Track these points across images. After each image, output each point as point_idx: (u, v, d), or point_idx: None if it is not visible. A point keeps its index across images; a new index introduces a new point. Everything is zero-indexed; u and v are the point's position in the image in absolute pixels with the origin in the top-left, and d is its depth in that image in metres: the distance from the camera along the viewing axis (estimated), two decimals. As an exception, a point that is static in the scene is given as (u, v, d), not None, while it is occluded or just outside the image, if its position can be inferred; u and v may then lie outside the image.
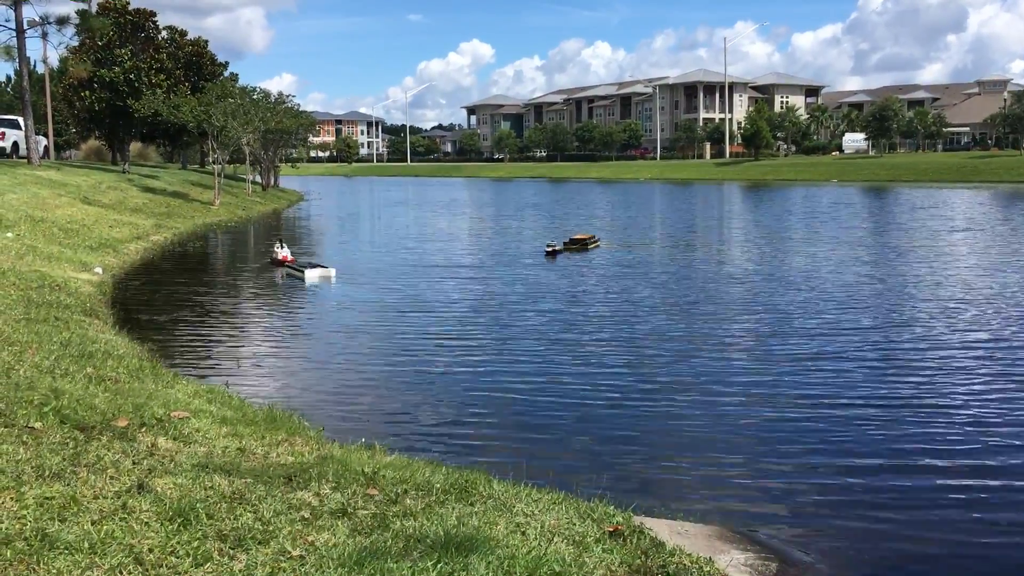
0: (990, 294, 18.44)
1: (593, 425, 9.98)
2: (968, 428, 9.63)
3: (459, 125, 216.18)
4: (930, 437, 9.34)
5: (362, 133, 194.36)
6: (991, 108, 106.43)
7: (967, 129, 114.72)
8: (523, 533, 5.05)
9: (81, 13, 38.53)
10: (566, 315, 16.88)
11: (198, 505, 4.67)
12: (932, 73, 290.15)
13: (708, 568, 5.13)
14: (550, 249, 25.09)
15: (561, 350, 13.87)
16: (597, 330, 15.41)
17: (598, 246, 27.54)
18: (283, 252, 25.02)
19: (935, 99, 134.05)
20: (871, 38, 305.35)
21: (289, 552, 4.25)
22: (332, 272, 22.69)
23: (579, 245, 26.63)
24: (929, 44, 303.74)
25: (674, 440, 9.50)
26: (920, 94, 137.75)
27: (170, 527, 4.35)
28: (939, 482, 8.11)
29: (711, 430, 9.76)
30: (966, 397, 10.82)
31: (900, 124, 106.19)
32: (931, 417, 10.02)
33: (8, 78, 74.59)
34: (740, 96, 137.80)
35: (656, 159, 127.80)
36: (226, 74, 58.95)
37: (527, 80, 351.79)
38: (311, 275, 22.12)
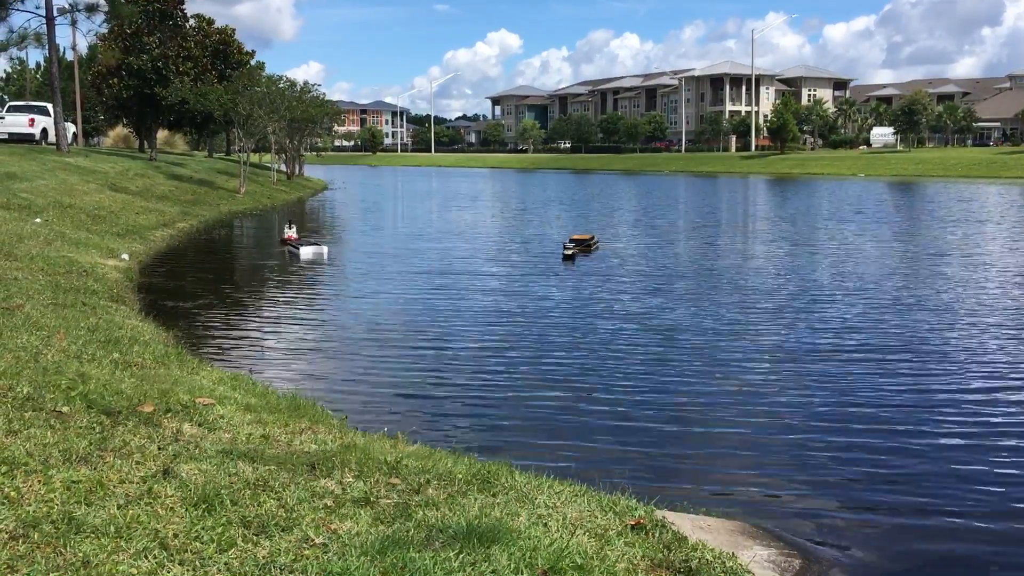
0: None
1: (615, 418, 9.95)
2: (1006, 432, 9.44)
3: (484, 116, 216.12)
4: (963, 439, 9.20)
5: (387, 123, 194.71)
6: (1023, 103, 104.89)
7: (998, 124, 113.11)
8: (545, 525, 5.03)
9: (110, 0, 38.78)
10: (589, 311, 16.84)
11: (222, 491, 4.69)
12: (965, 67, 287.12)
13: (731, 563, 5.09)
14: (568, 252, 24.42)
15: (583, 344, 13.84)
16: (620, 324, 15.36)
17: (598, 246, 26.62)
18: (290, 232, 27.33)
19: (965, 93, 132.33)
20: (904, 30, 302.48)
21: (312, 539, 4.26)
22: (325, 249, 25.14)
23: (584, 246, 25.69)
24: (963, 37, 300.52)
25: (697, 434, 9.46)
26: (950, 88, 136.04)
27: (195, 513, 4.37)
28: (971, 484, 7.97)
29: (734, 425, 9.70)
30: (1007, 402, 10.59)
31: (929, 119, 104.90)
32: (965, 420, 9.85)
33: (38, 65, 75.34)
34: (767, 89, 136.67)
35: (681, 151, 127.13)
36: (252, 63, 59.17)
37: (553, 71, 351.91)
38: (305, 251, 24.71)
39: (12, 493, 4.23)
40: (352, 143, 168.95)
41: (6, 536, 3.79)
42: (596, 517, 5.42)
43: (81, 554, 3.74)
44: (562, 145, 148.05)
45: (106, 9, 39.31)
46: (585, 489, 6.12)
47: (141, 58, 46.70)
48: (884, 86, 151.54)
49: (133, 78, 47.43)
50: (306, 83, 58.03)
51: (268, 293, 19.38)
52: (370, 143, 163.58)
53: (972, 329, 14.53)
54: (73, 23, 43.02)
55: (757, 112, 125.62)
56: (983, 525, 7.08)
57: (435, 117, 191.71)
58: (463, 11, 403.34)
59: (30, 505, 4.13)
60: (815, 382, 11.38)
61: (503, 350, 13.42)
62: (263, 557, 4.00)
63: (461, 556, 4.18)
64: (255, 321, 15.97)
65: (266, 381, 10.50)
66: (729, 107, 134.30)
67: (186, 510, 4.39)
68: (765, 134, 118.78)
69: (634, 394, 10.89)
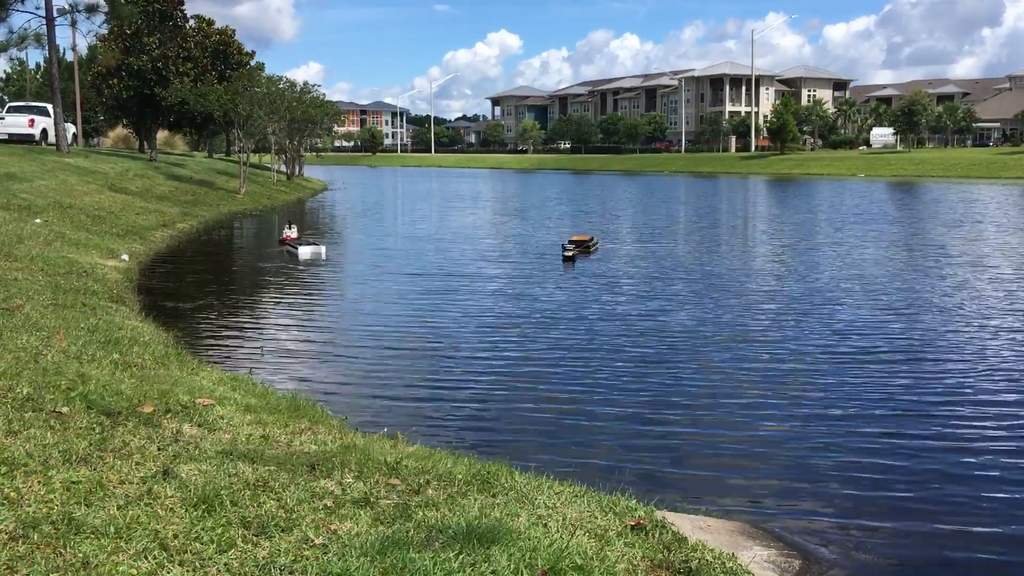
0: None
1: (615, 419, 9.95)
2: (1011, 436, 9.41)
3: (483, 116, 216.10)
4: (966, 442, 9.17)
5: (386, 123, 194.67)
6: (1023, 103, 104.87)
7: (997, 124, 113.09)
8: (545, 525, 5.03)
9: (110, 1, 38.75)
10: (589, 312, 16.84)
11: (222, 492, 4.69)
12: (965, 67, 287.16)
13: (731, 564, 5.09)
14: (568, 253, 24.29)
15: (583, 345, 13.84)
16: (620, 326, 15.36)
17: (597, 247, 26.46)
18: (289, 232, 27.48)
19: (965, 94, 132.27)
20: (904, 31, 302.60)
21: (312, 540, 4.26)
22: (322, 249, 25.21)
23: (583, 247, 25.52)
24: (963, 38, 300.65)
25: (697, 435, 9.45)
26: (950, 88, 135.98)
27: (195, 513, 4.37)
28: (973, 486, 7.95)
29: (733, 426, 9.70)
30: (1014, 406, 10.54)
31: (929, 119, 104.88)
32: (969, 423, 9.83)
33: (38, 65, 75.30)
34: (767, 89, 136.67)
35: (681, 152, 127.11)
36: (252, 63, 59.16)
37: (553, 71, 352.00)
38: (303, 251, 24.75)
39: (12, 493, 4.23)
40: (352, 143, 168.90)
41: (6, 536, 3.78)
42: (596, 518, 5.42)
43: (81, 555, 3.74)
44: (562, 146, 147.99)
45: (106, 9, 39.28)
46: (585, 490, 6.12)
47: (141, 58, 46.68)
48: (884, 86, 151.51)
49: (133, 78, 47.41)
50: (306, 83, 58.11)
51: (267, 293, 19.38)
52: (370, 143, 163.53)
53: (980, 332, 14.47)
54: (73, 24, 43.00)
55: (757, 112, 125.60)
56: (984, 527, 7.08)
57: (435, 117, 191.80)
58: (463, 11, 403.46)
59: (30, 506, 4.13)
60: (816, 384, 11.37)
61: (503, 351, 13.42)
62: (263, 558, 4.00)
63: (461, 556, 4.18)
64: (255, 321, 15.98)
65: (266, 382, 10.50)
66: (729, 107, 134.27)
67: (186, 511, 4.39)
68: (765, 134, 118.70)
69: (634, 395, 10.89)
